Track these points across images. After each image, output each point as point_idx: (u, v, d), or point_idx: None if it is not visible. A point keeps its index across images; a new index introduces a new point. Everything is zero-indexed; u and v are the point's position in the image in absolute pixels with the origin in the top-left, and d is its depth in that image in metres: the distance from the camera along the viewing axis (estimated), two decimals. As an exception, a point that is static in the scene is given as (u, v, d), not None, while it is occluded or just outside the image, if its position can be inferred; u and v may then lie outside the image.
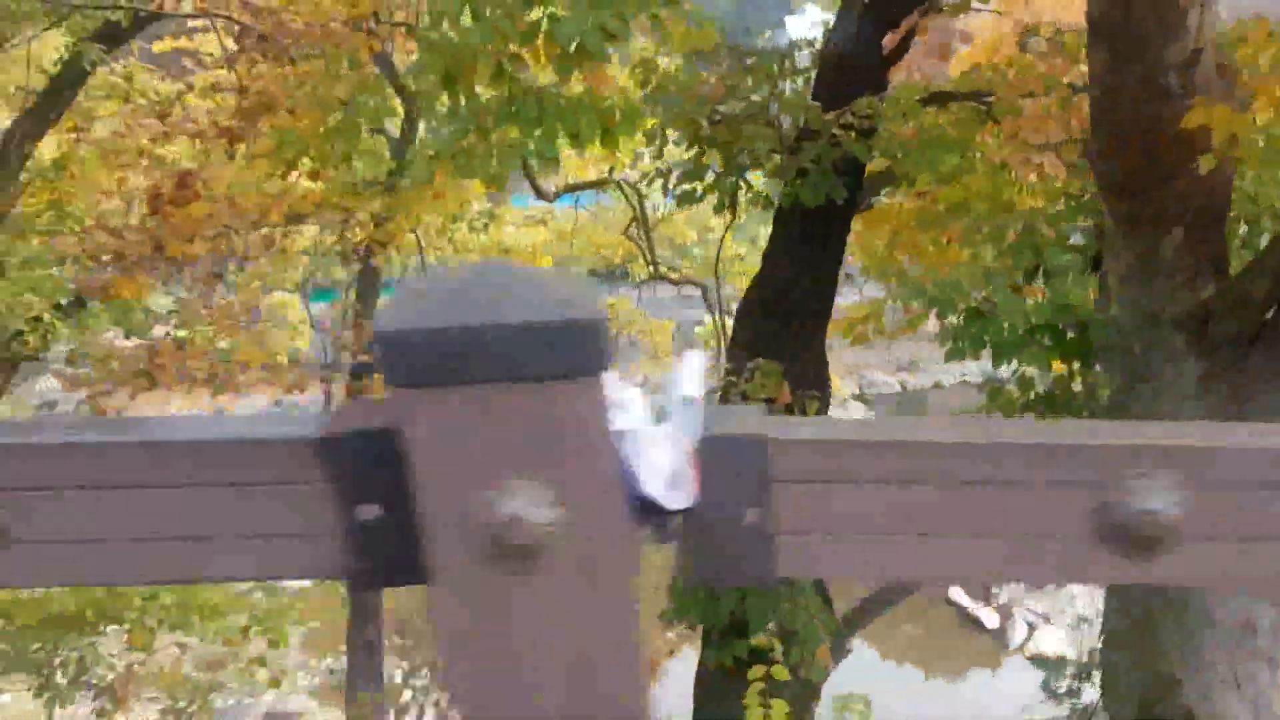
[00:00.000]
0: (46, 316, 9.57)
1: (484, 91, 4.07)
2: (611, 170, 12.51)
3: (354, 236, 7.64)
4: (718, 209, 6.87)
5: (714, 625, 6.52)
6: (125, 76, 9.39)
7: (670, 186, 6.74)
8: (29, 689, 10.61)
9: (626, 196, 13.12)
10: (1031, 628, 20.77)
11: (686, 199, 6.81)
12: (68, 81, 9.89)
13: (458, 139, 3.95)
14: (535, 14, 3.61)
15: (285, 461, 0.82)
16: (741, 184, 6.63)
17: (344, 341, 8.32)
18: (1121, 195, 3.33)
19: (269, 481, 0.83)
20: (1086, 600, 21.19)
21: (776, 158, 6.48)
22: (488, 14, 3.57)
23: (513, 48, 3.68)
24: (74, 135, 9.86)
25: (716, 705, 6.71)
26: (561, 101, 3.74)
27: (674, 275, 14.53)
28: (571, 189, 12.56)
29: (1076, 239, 5.21)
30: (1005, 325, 4.82)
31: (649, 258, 13.72)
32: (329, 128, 5.11)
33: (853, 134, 6.17)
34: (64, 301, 9.68)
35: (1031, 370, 5.47)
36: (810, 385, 6.89)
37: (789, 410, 6.57)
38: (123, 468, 0.84)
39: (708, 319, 16.03)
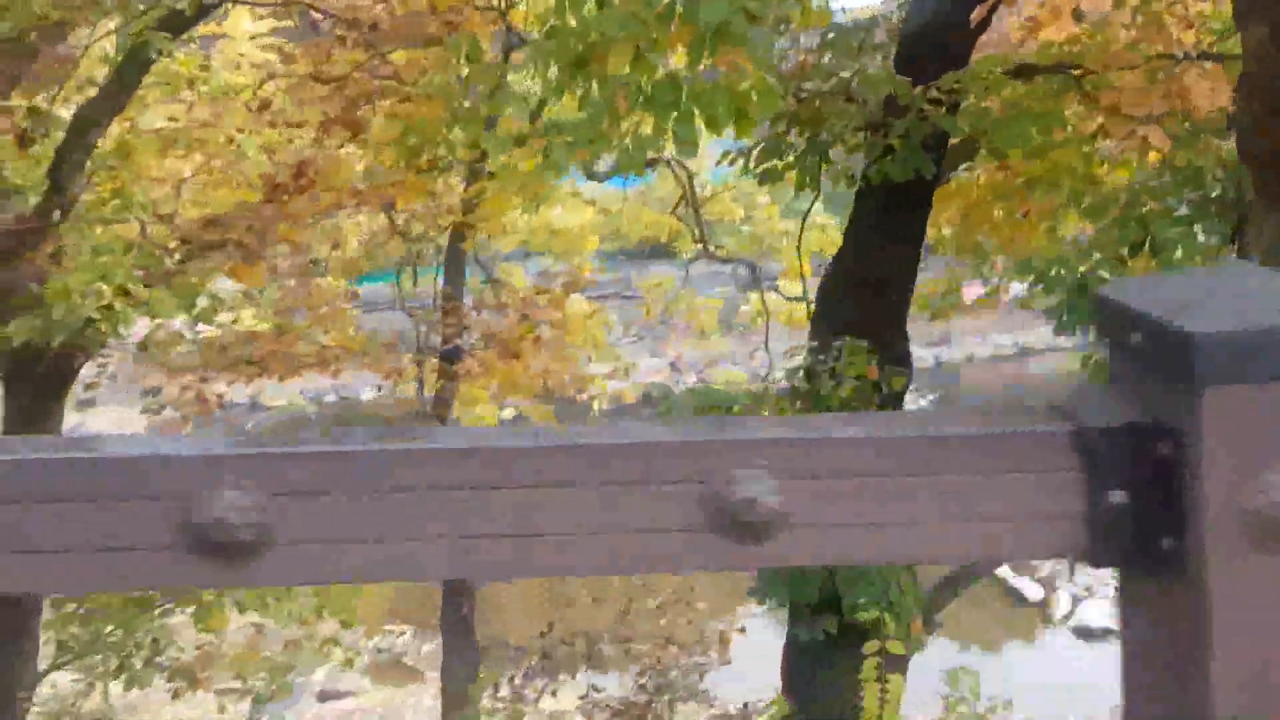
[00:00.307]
0: (118, 305, 9.67)
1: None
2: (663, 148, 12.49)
3: (443, 221, 7.68)
4: (798, 187, 6.87)
5: (803, 602, 6.57)
6: (202, 66, 9.44)
7: (751, 165, 6.74)
8: (103, 671, 10.79)
9: (675, 175, 13.10)
10: (1076, 600, 20.75)
11: (770, 176, 6.81)
12: (131, 70, 9.95)
13: (595, 126, 3.96)
14: (670, -1, 3.62)
15: (1035, 452, 0.89)
16: (825, 162, 6.62)
17: (435, 324, 8.38)
18: (1270, 171, 3.31)
19: (1020, 470, 0.90)
20: (1131, 572, 21.05)
21: (861, 135, 6.46)
22: (617, 1, 3.57)
23: (651, 33, 3.69)
24: (128, 123, 9.91)
25: (806, 681, 6.77)
26: (698, 85, 3.75)
27: (722, 253, 14.52)
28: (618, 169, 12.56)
29: (1181, 211, 5.19)
30: (1114, 299, 4.79)
31: (698, 236, 13.71)
32: (452, 115, 5.13)
33: (942, 109, 6.15)
34: (132, 289, 9.77)
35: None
36: (895, 361, 6.90)
37: (876, 388, 6.59)
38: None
39: (753, 297, 16.02)
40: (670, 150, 3.93)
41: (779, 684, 7.30)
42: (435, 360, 8.25)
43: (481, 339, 7.91)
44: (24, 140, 8.23)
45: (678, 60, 4.03)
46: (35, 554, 0.89)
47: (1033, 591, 20.83)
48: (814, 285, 17.90)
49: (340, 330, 7.76)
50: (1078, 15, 7.91)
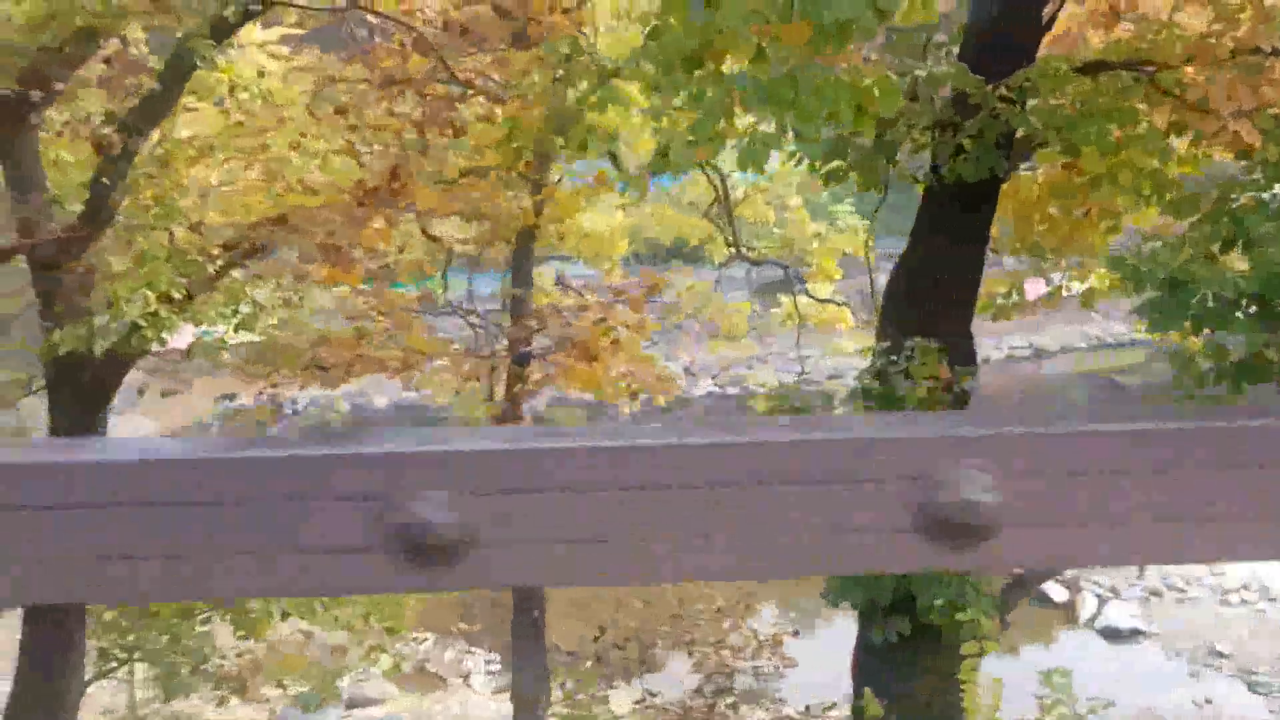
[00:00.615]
0: (162, 312, 9.66)
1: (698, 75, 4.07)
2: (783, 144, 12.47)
3: (514, 224, 7.67)
4: (863, 187, 6.85)
5: (877, 603, 6.54)
6: (259, 73, 9.43)
7: (817, 166, 6.71)
8: (146, 677, 10.76)
9: (709, 178, 13.08)
10: (1101, 601, 20.70)
11: (834, 177, 6.78)
12: (174, 77, 9.94)
13: (712, 123, 3.93)
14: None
15: None
16: (892, 162, 6.60)
17: (504, 329, 8.36)
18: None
19: None
20: (1155, 573, 21.13)
21: (929, 134, 6.44)
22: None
23: (770, 28, 3.66)
24: (186, 135, 9.91)
25: (878, 682, 6.74)
26: (818, 81, 3.72)
27: (754, 256, 14.50)
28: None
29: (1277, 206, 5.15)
30: (1209, 295, 4.78)
31: (730, 239, 13.68)
32: (552, 116, 5.11)
33: (1014, 106, 6.13)
34: (176, 296, 9.76)
35: (1201, 339, 5.43)
36: (961, 360, 6.88)
37: (948, 388, 6.57)
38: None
39: (785, 300, 16.00)
40: (786, 144, 3.90)
41: (835, 686, 7.28)
42: (506, 364, 8.23)
43: (556, 342, 7.89)
44: (102, 147, 8.21)
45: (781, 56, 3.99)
46: (234, 556, 0.86)
47: (1058, 593, 20.78)
48: (841, 288, 17.85)
49: (414, 334, 7.73)
50: (1118, 15, 7.90)
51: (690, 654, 8.17)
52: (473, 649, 18.48)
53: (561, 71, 5.25)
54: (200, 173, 10.65)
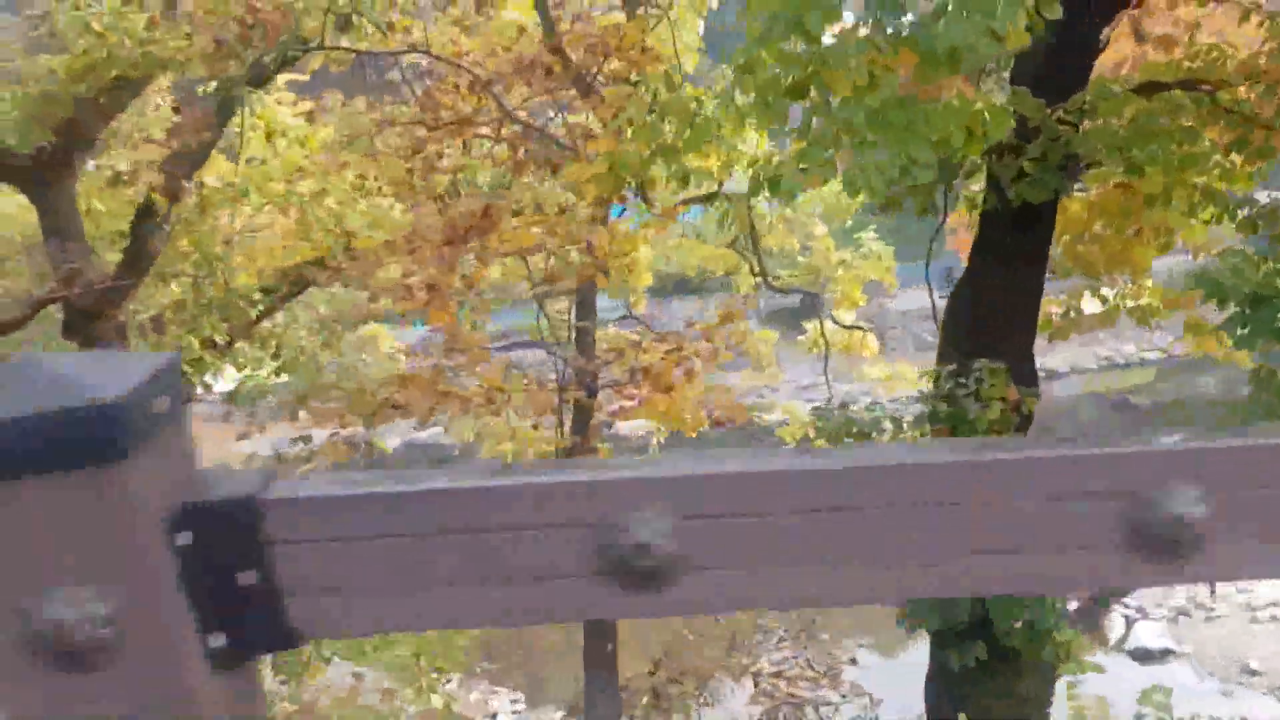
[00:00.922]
0: (206, 357, 9.67)
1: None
2: (721, 184, 12.55)
3: (584, 258, 7.72)
4: (920, 212, 6.88)
5: (951, 627, 6.51)
6: (306, 116, 9.49)
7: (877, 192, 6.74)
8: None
9: (735, 209, 13.14)
10: (1129, 622, 20.61)
11: (889, 204, 6.82)
12: (216, 123, 10.00)
13: (822, 151, 3.96)
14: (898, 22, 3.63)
15: None
16: (949, 187, 6.64)
17: (574, 360, 8.36)
18: None
19: None
20: (1182, 593, 21.03)
21: (989, 158, 6.49)
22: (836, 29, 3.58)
23: (878, 56, 3.71)
24: (224, 178, 9.96)
25: (953, 706, 6.69)
26: (928, 108, 3.76)
27: (779, 284, 14.55)
28: (686, 202, 12.62)
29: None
30: (1297, 309, 4.80)
31: (757, 269, 13.73)
32: (656, 149, 5.15)
33: (1073, 129, 6.18)
34: (220, 341, 9.78)
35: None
36: (1022, 382, 6.89)
37: (1015, 409, 6.58)
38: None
39: (809, 327, 16.03)
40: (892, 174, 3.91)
41: (909, 711, 7.23)
42: (574, 396, 8.23)
43: (627, 373, 7.89)
44: (175, 195, 8.25)
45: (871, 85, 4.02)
46: (447, 587, 0.86)
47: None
48: (863, 314, 17.86)
49: (490, 370, 7.74)
50: (1140, 36, 7.98)
51: (755, 684, 8.10)
52: (496, 688, 18.32)
53: (654, 107, 5.31)
54: (236, 219, 10.69)
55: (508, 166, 7.72)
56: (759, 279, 13.93)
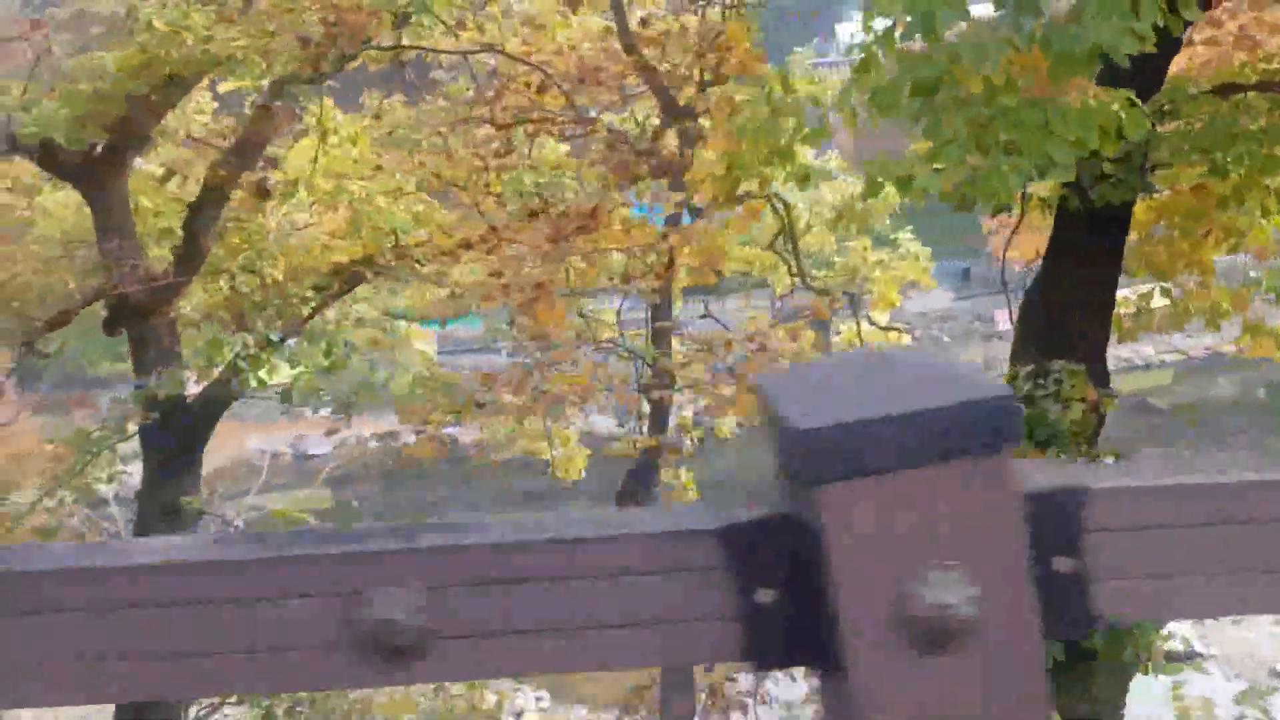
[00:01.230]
0: (262, 353, 9.69)
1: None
2: (762, 184, 12.57)
3: (662, 257, 7.74)
4: (994, 213, 6.88)
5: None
6: (375, 115, 9.52)
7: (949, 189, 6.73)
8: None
9: (775, 209, 13.15)
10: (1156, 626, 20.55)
11: (962, 204, 6.81)
12: (266, 123, 10.02)
13: (960, 152, 3.97)
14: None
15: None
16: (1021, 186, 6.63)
17: (655, 359, 8.38)
18: None
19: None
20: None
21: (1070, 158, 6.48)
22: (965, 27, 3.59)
23: (1014, 55, 3.71)
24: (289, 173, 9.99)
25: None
26: (1065, 108, 3.77)
27: (816, 284, 14.55)
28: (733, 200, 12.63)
29: None
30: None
31: (795, 269, 13.73)
32: (770, 151, 5.17)
33: (1156, 129, 6.18)
34: (274, 338, 9.79)
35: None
36: (1098, 384, 6.89)
37: (1094, 410, 6.58)
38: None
39: (844, 328, 16.03)
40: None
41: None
42: (660, 395, 8.25)
43: (708, 371, 7.91)
44: (264, 191, 8.27)
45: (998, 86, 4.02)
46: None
47: (1112, 618, 20.61)
48: (894, 316, 17.86)
49: (585, 368, 7.76)
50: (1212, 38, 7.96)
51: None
52: (519, 686, 18.32)
53: (769, 108, 5.32)
54: (286, 215, 10.72)
55: (602, 169, 7.73)
56: (796, 279, 13.94)
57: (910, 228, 15.02)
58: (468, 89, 9.60)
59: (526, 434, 11.76)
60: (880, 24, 4.15)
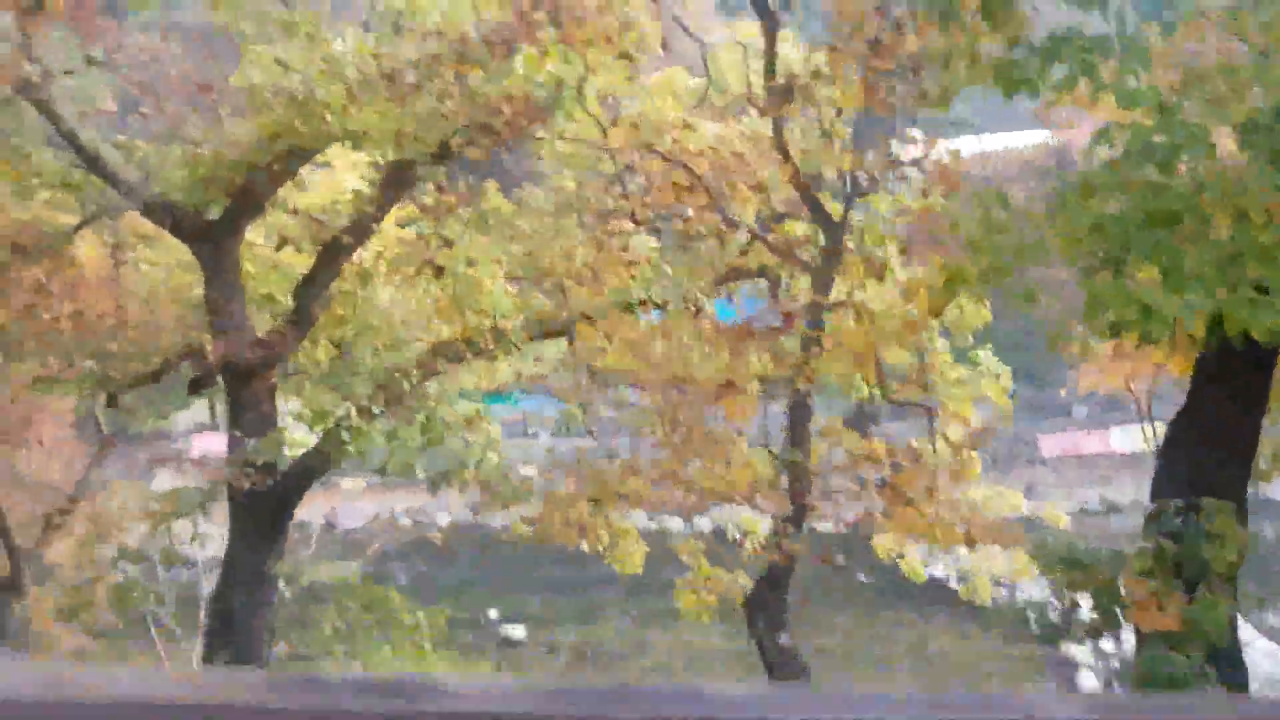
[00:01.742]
0: (361, 424, 9.67)
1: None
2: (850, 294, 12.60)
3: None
4: (1144, 340, 6.83)
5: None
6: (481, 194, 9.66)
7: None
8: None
9: (859, 315, 13.15)
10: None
11: (1110, 330, 6.77)
12: (390, 194, 10.17)
13: (1211, 286, 3.95)
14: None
15: None
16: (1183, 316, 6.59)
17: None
18: None
19: None
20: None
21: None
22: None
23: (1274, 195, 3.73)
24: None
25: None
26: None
27: (896, 396, 14.48)
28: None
29: None
30: None
31: (873, 379, 13.68)
32: (988, 256, 5.20)
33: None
34: (376, 410, 9.79)
35: None
36: (1239, 521, 6.77)
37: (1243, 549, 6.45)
38: None
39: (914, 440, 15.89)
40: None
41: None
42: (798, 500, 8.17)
43: (854, 480, 7.83)
44: (439, 270, 8.38)
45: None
46: None
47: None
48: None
49: (738, 459, 7.71)
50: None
51: None
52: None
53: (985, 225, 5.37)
54: (393, 291, 10.80)
55: (775, 268, 7.78)
56: (874, 389, 13.89)
57: (989, 345, 14.99)
58: (606, 188, 9.71)
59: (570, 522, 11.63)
60: (1102, 152, 4.17)
